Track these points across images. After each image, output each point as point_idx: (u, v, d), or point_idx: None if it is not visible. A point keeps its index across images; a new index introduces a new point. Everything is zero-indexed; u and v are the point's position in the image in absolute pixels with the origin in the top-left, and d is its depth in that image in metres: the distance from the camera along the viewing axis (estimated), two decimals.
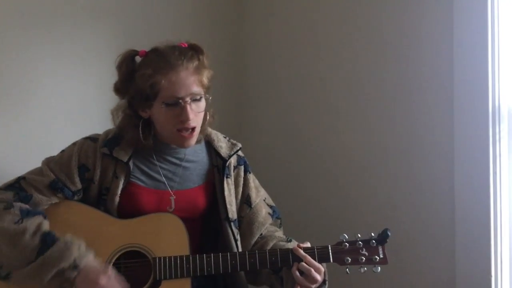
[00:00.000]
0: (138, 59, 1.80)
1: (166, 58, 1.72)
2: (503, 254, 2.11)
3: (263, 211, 1.96)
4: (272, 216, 1.98)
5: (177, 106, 1.72)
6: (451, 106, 2.16)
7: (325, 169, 2.54)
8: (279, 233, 1.97)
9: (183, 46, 1.79)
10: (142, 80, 1.72)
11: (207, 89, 1.79)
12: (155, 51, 1.77)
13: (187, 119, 1.73)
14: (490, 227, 2.09)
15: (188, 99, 1.73)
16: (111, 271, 1.69)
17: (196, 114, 1.76)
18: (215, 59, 1.86)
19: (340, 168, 2.49)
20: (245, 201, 1.94)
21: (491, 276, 2.09)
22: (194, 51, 1.79)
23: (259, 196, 1.98)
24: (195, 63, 1.75)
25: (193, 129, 1.76)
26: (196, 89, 1.74)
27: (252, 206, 1.94)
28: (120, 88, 1.81)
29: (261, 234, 1.94)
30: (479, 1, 2.09)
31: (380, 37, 2.36)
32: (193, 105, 1.75)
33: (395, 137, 2.33)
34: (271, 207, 2.00)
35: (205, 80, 1.77)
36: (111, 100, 2.37)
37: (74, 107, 2.28)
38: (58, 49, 2.23)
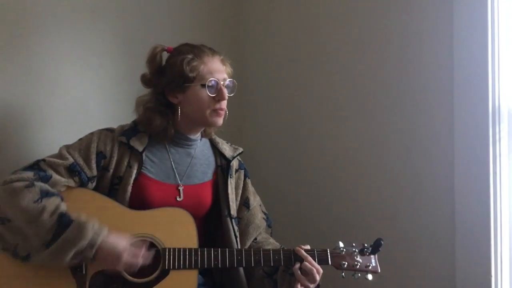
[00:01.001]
0: (165, 54, 1.95)
1: (201, 49, 1.92)
2: (503, 254, 2.11)
3: (259, 215, 2.07)
4: (266, 221, 2.08)
5: (213, 88, 1.88)
6: (451, 106, 2.16)
7: (325, 170, 2.54)
8: (273, 240, 2.06)
9: None
10: (182, 64, 1.87)
11: (231, 76, 1.97)
12: (186, 45, 1.94)
13: (223, 98, 1.90)
14: (490, 227, 2.09)
15: (222, 82, 1.90)
16: (129, 244, 1.73)
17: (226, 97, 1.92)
18: None
19: (340, 168, 2.49)
20: (243, 203, 2.05)
21: (491, 276, 2.09)
22: None
23: (256, 201, 2.09)
24: (222, 56, 1.95)
25: (222, 109, 1.92)
26: (226, 76, 1.93)
27: (250, 208, 2.05)
28: (151, 79, 1.93)
29: (256, 239, 2.03)
30: (479, 1, 2.09)
31: (380, 37, 2.36)
32: (225, 90, 1.91)
33: (395, 137, 2.33)
34: (265, 213, 2.10)
35: (230, 71, 1.97)
36: (111, 98, 2.38)
37: (74, 107, 2.27)
38: (58, 49, 2.23)
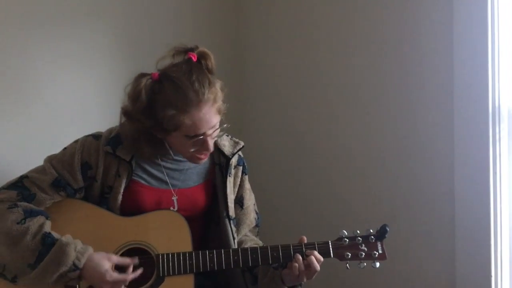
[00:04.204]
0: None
1: (187, 94, 1.68)
2: (503, 254, 2.11)
3: (251, 215, 1.99)
4: (256, 220, 2.01)
5: (198, 141, 1.73)
6: (451, 106, 2.16)
7: (325, 169, 2.54)
8: (256, 239, 1.99)
9: (192, 58, 1.75)
10: (163, 119, 1.69)
11: (223, 100, 1.77)
12: (170, 81, 1.70)
13: (208, 150, 1.76)
14: (490, 227, 2.09)
15: (210, 132, 1.73)
16: (115, 260, 1.70)
17: (213, 140, 1.78)
18: (215, 60, 1.82)
19: (339, 168, 2.49)
20: (237, 201, 1.96)
21: (491, 276, 2.09)
22: (205, 63, 1.76)
23: (251, 199, 2.00)
24: (213, 92, 1.72)
25: (207, 155, 1.80)
26: (215, 120, 1.74)
27: (244, 207, 1.97)
28: (133, 116, 1.74)
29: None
30: (479, 1, 2.09)
31: (380, 37, 2.36)
32: (212, 134, 1.76)
33: (395, 137, 2.33)
34: (256, 213, 2.03)
35: (221, 105, 1.75)
36: (111, 99, 2.37)
37: (74, 106, 2.28)
38: (58, 49, 2.23)
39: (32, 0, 2.17)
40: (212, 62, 1.77)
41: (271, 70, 2.74)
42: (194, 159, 1.80)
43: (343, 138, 2.49)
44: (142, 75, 1.73)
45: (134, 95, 1.72)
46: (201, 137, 1.72)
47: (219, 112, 1.74)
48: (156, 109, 1.70)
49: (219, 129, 1.77)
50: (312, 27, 2.58)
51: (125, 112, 1.76)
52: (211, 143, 1.75)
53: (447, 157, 2.18)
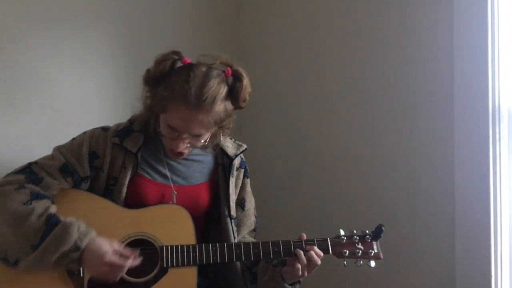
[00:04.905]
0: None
1: (185, 90, 1.71)
2: (503, 254, 2.11)
3: (251, 218, 2.03)
4: (255, 224, 2.04)
5: (174, 132, 1.76)
6: (451, 106, 2.16)
7: (325, 169, 2.54)
8: (252, 239, 2.02)
9: (226, 72, 1.80)
10: (160, 95, 1.75)
11: (219, 123, 1.78)
12: (188, 74, 1.74)
13: (174, 149, 1.79)
14: (490, 227, 2.10)
15: (185, 135, 1.77)
16: (117, 246, 1.70)
17: (191, 143, 1.80)
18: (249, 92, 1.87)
19: (339, 168, 2.49)
20: (239, 203, 2.00)
21: (491, 276, 2.10)
22: (233, 83, 1.80)
23: (251, 203, 2.04)
24: (211, 109, 1.73)
25: (180, 152, 1.82)
26: (198, 130, 1.76)
27: (245, 209, 2.01)
28: (148, 81, 1.80)
29: None
30: (479, 1, 2.09)
31: (380, 37, 2.36)
32: (190, 139, 1.79)
33: (395, 137, 2.33)
34: (255, 217, 2.06)
35: (213, 124, 1.76)
36: (111, 99, 2.38)
37: (75, 106, 2.28)
38: (59, 48, 2.23)
39: (32, 0, 2.17)
40: (243, 87, 1.82)
41: (271, 70, 2.74)
42: (168, 151, 1.84)
43: (343, 139, 2.49)
44: (177, 53, 1.79)
45: (158, 61, 1.78)
46: (176, 133, 1.76)
47: (206, 128, 1.76)
48: (162, 83, 1.75)
49: (201, 142, 1.79)
50: (312, 27, 2.58)
51: (144, 74, 1.81)
52: (181, 145, 1.77)
53: (447, 157, 2.18)
